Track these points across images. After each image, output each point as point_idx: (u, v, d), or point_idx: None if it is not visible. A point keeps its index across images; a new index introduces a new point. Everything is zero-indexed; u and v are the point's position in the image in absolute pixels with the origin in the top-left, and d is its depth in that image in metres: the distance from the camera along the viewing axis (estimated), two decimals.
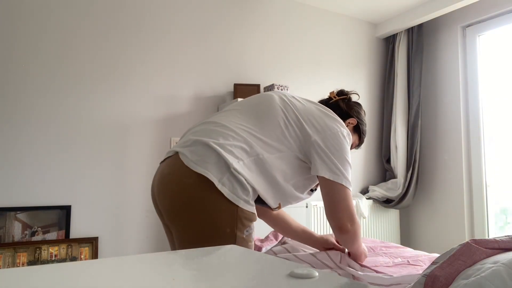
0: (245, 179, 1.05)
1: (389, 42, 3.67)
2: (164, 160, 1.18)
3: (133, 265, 0.62)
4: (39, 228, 2.20)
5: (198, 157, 1.05)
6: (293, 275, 0.54)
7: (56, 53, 2.33)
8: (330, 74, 3.39)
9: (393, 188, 3.38)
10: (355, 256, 1.33)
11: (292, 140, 1.16)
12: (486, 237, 2.98)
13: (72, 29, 2.38)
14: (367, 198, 3.33)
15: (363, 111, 1.45)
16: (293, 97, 1.27)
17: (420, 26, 3.41)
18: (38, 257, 2.15)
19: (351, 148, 1.36)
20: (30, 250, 2.14)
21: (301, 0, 3.26)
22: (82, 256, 2.27)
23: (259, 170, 1.09)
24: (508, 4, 2.92)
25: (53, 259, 2.19)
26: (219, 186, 1.02)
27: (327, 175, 1.14)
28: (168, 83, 2.66)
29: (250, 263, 0.64)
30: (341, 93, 1.43)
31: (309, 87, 3.23)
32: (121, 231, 2.43)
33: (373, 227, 3.33)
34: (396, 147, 3.44)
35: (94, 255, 2.30)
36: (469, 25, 3.23)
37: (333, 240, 1.45)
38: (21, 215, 2.16)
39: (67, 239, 2.25)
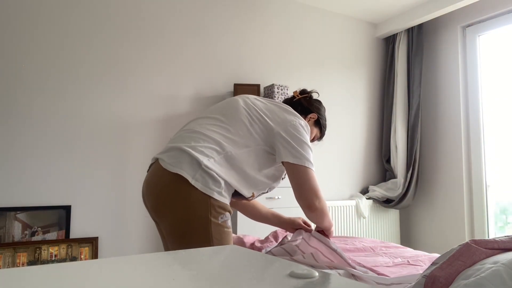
0: (216, 174, 1.21)
1: (389, 42, 3.67)
2: (149, 168, 1.35)
3: (133, 265, 0.62)
4: (39, 228, 2.20)
5: (174, 160, 1.22)
6: (293, 275, 0.54)
7: (57, 53, 2.33)
8: (330, 74, 3.39)
9: (393, 188, 3.38)
10: (328, 232, 1.45)
11: (257, 135, 1.31)
12: (486, 237, 2.98)
13: (73, 29, 2.38)
14: (367, 198, 3.33)
15: (323, 108, 1.63)
16: (256, 98, 1.43)
17: (420, 26, 3.41)
18: (38, 257, 2.15)
19: (313, 141, 1.61)
20: (30, 250, 2.14)
21: (301, 0, 3.26)
22: (82, 256, 2.27)
23: (230, 165, 1.26)
24: (508, 4, 2.92)
25: (53, 259, 2.19)
26: (192, 182, 1.18)
27: (290, 160, 1.30)
28: (168, 83, 2.66)
29: (250, 263, 0.64)
30: (303, 92, 1.62)
31: (309, 87, 3.23)
32: (121, 231, 2.43)
33: (373, 227, 3.33)
34: (396, 147, 3.44)
35: (94, 255, 2.30)
36: (469, 25, 3.23)
37: (300, 221, 1.61)
38: (21, 215, 2.16)
39: (67, 239, 2.25)
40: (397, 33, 3.58)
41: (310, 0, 3.26)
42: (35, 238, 2.18)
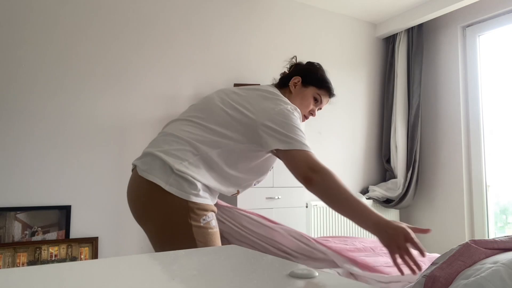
0: (191, 176, 1.15)
1: (389, 42, 3.67)
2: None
3: (133, 265, 0.62)
4: (39, 228, 2.20)
5: (147, 166, 1.19)
6: (293, 275, 0.54)
7: (58, 54, 2.33)
8: (330, 74, 3.38)
9: (393, 188, 3.38)
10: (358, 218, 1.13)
11: (236, 131, 1.22)
12: (486, 237, 2.98)
13: (72, 29, 2.38)
14: (367, 198, 3.33)
15: (314, 66, 1.45)
16: (233, 91, 1.33)
17: (420, 26, 3.41)
18: (38, 257, 2.15)
19: (316, 104, 1.43)
20: (30, 250, 2.14)
21: (301, 0, 3.26)
22: (82, 256, 2.27)
23: (207, 166, 1.20)
24: (508, 4, 2.92)
25: (53, 259, 2.19)
26: (167, 187, 1.14)
27: (280, 146, 1.18)
28: (169, 83, 2.66)
29: (250, 263, 0.64)
30: (291, 66, 1.48)
31: None
32: (121, 231, 2.43)
33: None
34: (396, 147, 3.44)
35: (94, 255, 2.30)
36: (469, 25, 3.23)
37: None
38: (21, 215, 2.16)
39: (67, 239, 2.25)
40: (397, 33, 3.58)
41: (310, 0, 3.26)
42: (35, 238, 2.18)
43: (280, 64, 3.18)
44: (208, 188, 1.22)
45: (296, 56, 1.52)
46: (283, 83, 1.42)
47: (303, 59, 3.39)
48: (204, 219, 1.16)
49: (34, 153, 2.23)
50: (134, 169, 1.25)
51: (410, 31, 3.46)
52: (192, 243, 1.14)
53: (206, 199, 1.19)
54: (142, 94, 2.56)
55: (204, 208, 1.18)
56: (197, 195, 1.16)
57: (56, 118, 2.30)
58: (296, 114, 1.26)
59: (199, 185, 1.17)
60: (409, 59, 3.44)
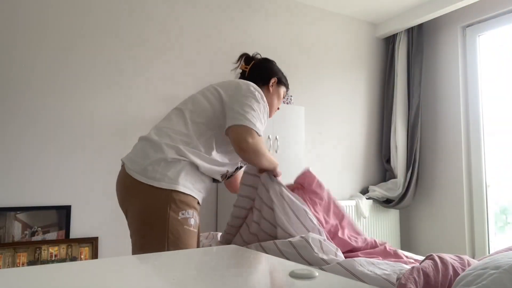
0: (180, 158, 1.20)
1: (389, 42, 3.67)
2: None
3: (133, 265, 0.62)
4: (39, 228, 2.20)
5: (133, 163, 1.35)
6: (293, 275, 0.54)
7: (57, 54, 2.33)
8: (330, 74, 3.39)
9: (393, 188, 3.38)
10: (274, 173, 1.36)
11: (217, 115, 1.26)
12: (486, 237, 2.98)
13: (74, 29, 2.38)
14: (367, 198, 3.33)
15: (275, 64, 1.54)
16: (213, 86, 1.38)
17: (420, 26, 3.41)
18: (38, 257, 2.15)
19: (284, 97, 1.57)
20: (30, 250, 2.14)
21: (301, 0, 3.26)
22: (82, 256, 2.27)
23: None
24: (508, 4, 2.92)
25: (53, 259, 2.19)
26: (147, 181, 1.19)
27: (229, 123, 1.20)
28: (169, 83, 2.66)
29: (251, 263, 0.64)
30: (247, 60, 1.53)
31: (309, 87, 3.23)
32: (121, 231, 2.43)
33: (373, 227, 3.33)
34: (396, 147, 3.44)
35: (94, 255, 2.30)
36: (469, 25, 3.23)
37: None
38: (21, 215, 2.16)
39: (67, 239, 2.25)
40: (397, 33, 3.58)
41: (310, 0, 3.26)
42: (35, 238, 2.18)
43: (281, 64, 3.18)
44: (196, 175, 1.22)
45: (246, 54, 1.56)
46: (261, 78, 1.48)
47: (303, 59, 3.39)
48: (182, 213, 1.15)
49: (34, 153, 2.23)
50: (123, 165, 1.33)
51: (410, 31, 3.46)
52: (163, 236, 1.12)
53: (191, 191, 1.19)
54: (142, 94, 2.56)
55: (186, 202, 1.17)
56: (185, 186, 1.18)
57: (56, 118, 2.30)
58: (258, 94, 1.29)
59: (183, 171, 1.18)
60: (409, 59, 3.45)
